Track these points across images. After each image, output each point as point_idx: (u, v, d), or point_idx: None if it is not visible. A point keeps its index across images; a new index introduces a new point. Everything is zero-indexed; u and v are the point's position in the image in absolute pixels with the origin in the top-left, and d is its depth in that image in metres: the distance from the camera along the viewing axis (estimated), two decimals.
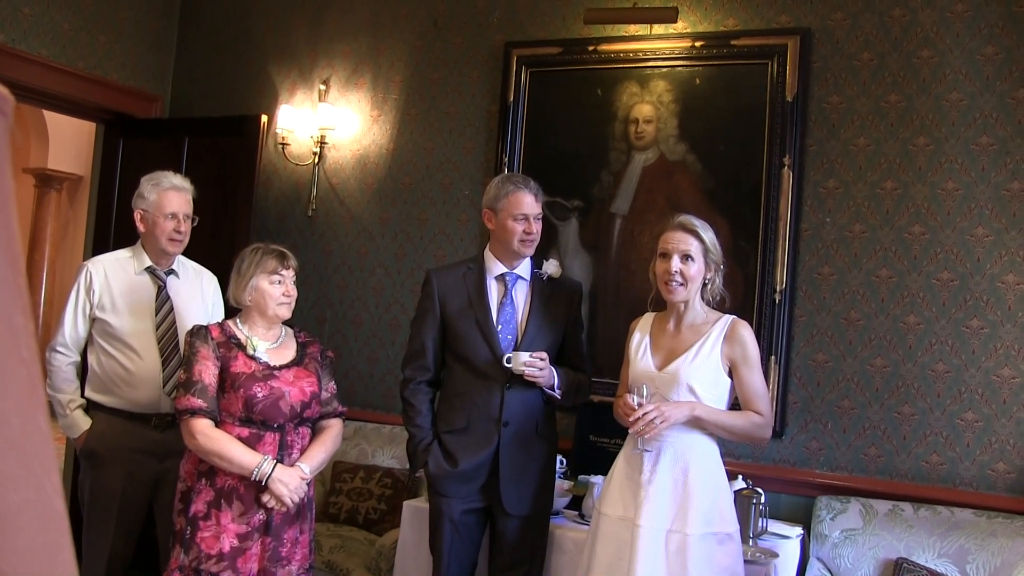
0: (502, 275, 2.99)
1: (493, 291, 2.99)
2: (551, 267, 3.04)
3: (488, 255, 3.02)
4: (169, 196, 3.16)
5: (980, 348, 3.37)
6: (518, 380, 2.85)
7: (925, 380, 3.44)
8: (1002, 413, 3.33)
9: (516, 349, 2.88)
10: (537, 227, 2.94)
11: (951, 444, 3.39)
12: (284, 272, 2.83)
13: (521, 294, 3.01)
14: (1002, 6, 3.42)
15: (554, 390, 2.90)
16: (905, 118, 3.53)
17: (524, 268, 3.02)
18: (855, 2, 3.64)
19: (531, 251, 2.98)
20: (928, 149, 3.49)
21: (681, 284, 2.66)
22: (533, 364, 2.80)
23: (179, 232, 3.18)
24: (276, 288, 2.81)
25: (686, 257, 2.65)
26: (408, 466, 3.20)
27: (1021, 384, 3.31)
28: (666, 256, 2.68)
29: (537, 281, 3.02)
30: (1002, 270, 3.36)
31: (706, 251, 2.67)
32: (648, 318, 2.85)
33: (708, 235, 2.70)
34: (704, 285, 2.71)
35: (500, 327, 2.93)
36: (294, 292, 2.86)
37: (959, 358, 3.39)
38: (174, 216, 3.16)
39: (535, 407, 2.94)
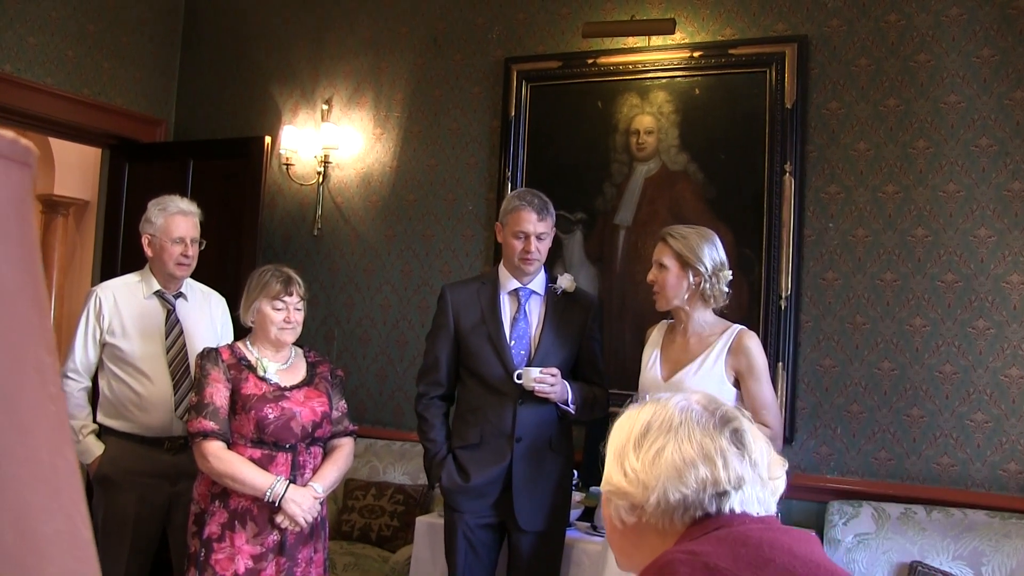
0: (515, 290, 2.98)
1: (506, 306, 2.98)
2: (565, 281, 3.02)
3: (502, 270, 3.02)
4: (176, 221, 3.18)
5: (987, 349, 3.37)
6: (531, 395, 2.83)
7: (933, 382, 3.44)
8: (1011, 413, 3.33)
9: (529, 364, 2.88)
10: (538, 245, 2.89)
11: (961, 445, 3.39)
12: (287, 299, 2.80)
13: (535, 309, 2.99)
14: (996, 9, 3.44)
15: (568, 405, 2.89)
16: (904, 122, 3.55)
17: (538, 283, 3.01)
18: (851, 8, 3.66)
19: (532, 269, 2.95)
20: (928, 152, 3.50)
21: (658, 293, 2.69)
22: (543, 380, 2.79)
23: (186, 257, 3.19)
24: (278, 314, 2.80)
25: (660, 266, 2.68)
26: (426, 481, 3.20)
27: None
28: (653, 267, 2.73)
29: (551, 296, 3.00)
30: (1006, 270, 3.37)
31: (679, 256, 2.67)
32: (663, 326, 2.86)
33: (684, 241, 2.68)
34: (701, 294, 2.69)
35: (513, 342, 2.93)
36: (296, 319, 2.83)
37: (966, 359, 3.40)
38: (181, 240, 3.18)
39: (549, 422, 2.92)
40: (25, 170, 0.40)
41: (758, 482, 1.17)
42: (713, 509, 1.14)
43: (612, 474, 1.22)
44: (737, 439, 1.18)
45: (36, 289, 0.40)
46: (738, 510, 1.15)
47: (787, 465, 1.23)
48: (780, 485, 1.21)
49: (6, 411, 0.37)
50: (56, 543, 0.39)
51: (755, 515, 1.16)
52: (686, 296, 2.68)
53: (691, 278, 2.67)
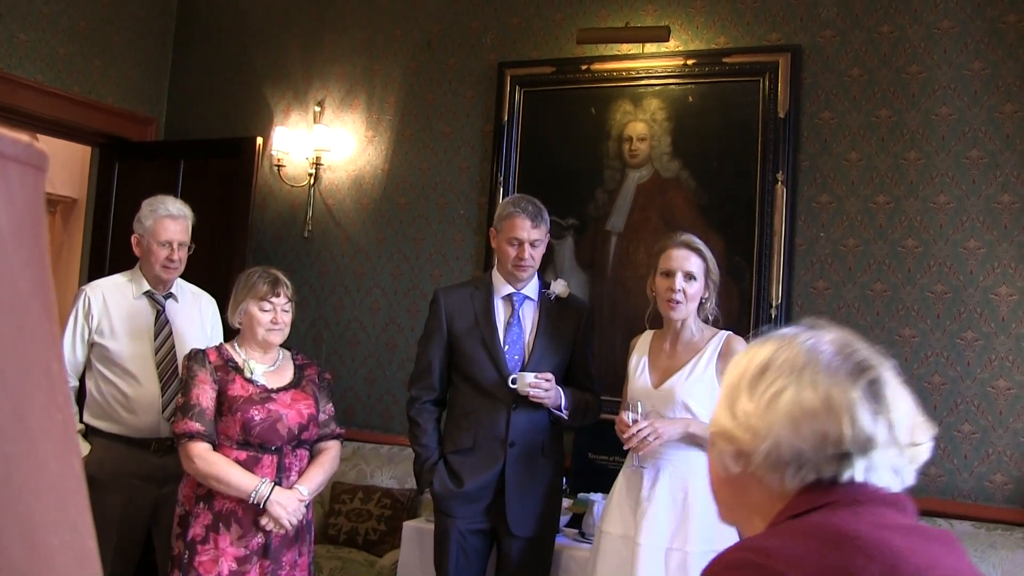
0: (509, 295, 2.98)
1: (500, 311, 2.98)
2: (559, 287, 3.02)
3: (495, 275, 3.02)
4: (164, 224, 3.15)
5: (975, 360, 3.39)
6: (524, 400, 2.83)
7: (921, 392, 3.45)
8: (998, 424, 3.34)
9: (523, 369, 2.87)
10: (531, 252, 2.90)
11: (948, 456, 3.40)
12: (274, 300, 2.80)
13: (528, 314, 2.99)
14: (987, 22, 3.47)
15: (561, 411, 2.89)
16: (896, 133, 3.57)
17: (532, 288, 3.01)
18: (844, 19, 3.68)
19: (525, 275, 2.95)
20: (919, 163, 3.52)
21: (681, 302, 2.67)
22: (538, 385, 2.79)
23: (171, 261, 3.15)
24: (265, 315, 2.79)
25: (689, 276, 2.67)
26: (413, 485, 3.18)
27: (1016, 395, 3.33)
28: (669, 274, 2.69)
29: (545, 301, 3.00)
30: (995, 282, 3.39)
31: (707, 271, 2.70)
32: (647, 336, 2.86)
33: (709, 254, 2.73)
34: (701, 304, 2.73)
35: (507, 347, 2.92)
36: (284, 320, 2.83)
37: (954, 370, 3.41)
38: (168, 244, 3.14)
39: (541, 427, 2.92)
40: (39, 175, 0.39)
41: (893, 446, 0.98)
42: (830, 474, 0.97)
43: (720, 414, 1.05)
44: (873, 392, 0.98)
45: (47, 295, 0.40)
46: (860, 479, 0.97)
47: (935, 431, 1.04)
48: (922, 453, 1.02)
49: (16, 420, 0.37)
50: (63, 554, 0.38)
51: (881, 489, 0.97)
52: (697, 308, 2.72)
53: (707, 292, 2.71)
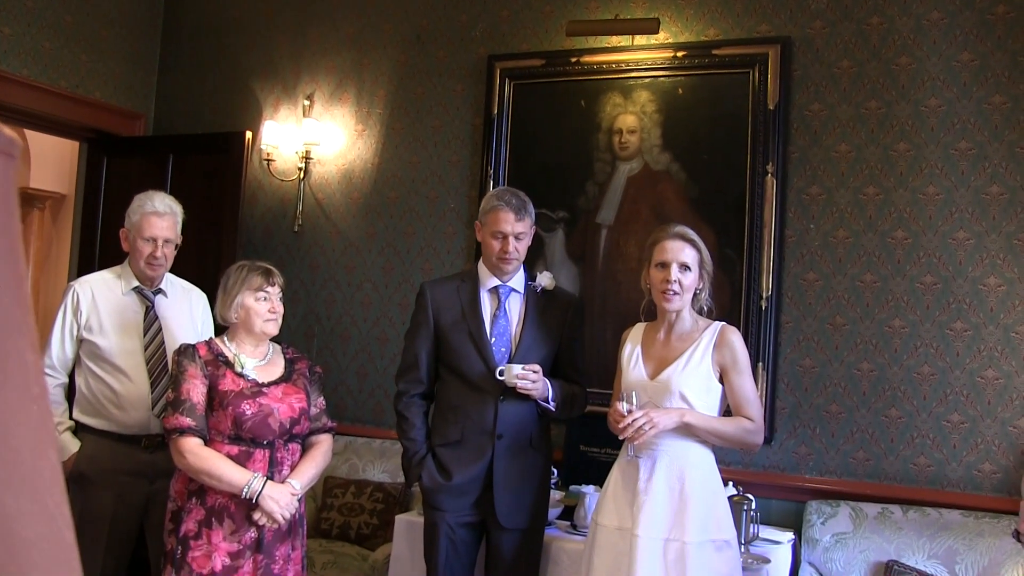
0: (495, 288, 2.98)
1: (486, 303, 2.98)
2: (544, 279, 3.03)
3: (481, 268, 3.02)
4: (150, 221, 3.13)
5: (964, 350, 3.40)
6: (512, 393, 2.84)
7: (911, 383, 3.47)
8: (987, 414, 3.36)
9: (510, 362, 2.88)
10: (516, 245, 2.90)
11: (938, 446, 3.42)
12: (269, 289, 2.83)
13: (515, 306, 2.99)
14: (976, 14, 3.47)
15: (548, 403, 2.89)
16: (885, 124, 3.57)
17: (518, 280, 3.01)
18: (833, 11, 3.68)
19: (510, 268, 2.95)
20: (908, 155, 3.53)
21: (677, 294, 2.68)
22: (525, 377, 2.79)
23: (155, 258, 3.14)
24: (262, 305, 2.81)
25: (684, 267, 2.68)
26: (402, 479, 3.17)
27: (1005, 385, 3.34)
28: (664, 265, 2.69)
29: (531, 293, 3.01)
30: (983, 273, 3.40)
31: (701, 262, 2.71)
32: (639, 327, 2.87)
33: (702, 244, 2.73)
34: (695, 295, 2.74)
35: (494, 339, 2.92)
36: (280, 309, 2.86)
37: (944, 360, 3.43)
38: (152, 241, 3.12)
39: (529, 420, 2.92)
40: (9, 161, 0.39)
41: None
42: None
43: None
44: None
45: (19, 284, 0.39)
46: None
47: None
48: None
49: None
50: (38, 547, 0.38)
51: None
52: (691, 299, 2.73)
53: (702, 283, 2.72)
